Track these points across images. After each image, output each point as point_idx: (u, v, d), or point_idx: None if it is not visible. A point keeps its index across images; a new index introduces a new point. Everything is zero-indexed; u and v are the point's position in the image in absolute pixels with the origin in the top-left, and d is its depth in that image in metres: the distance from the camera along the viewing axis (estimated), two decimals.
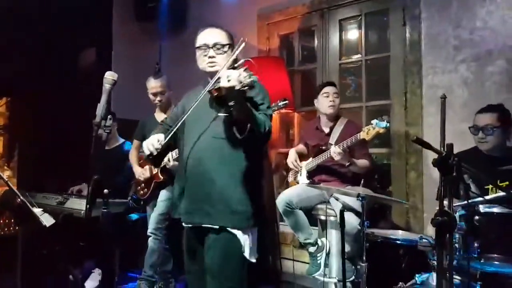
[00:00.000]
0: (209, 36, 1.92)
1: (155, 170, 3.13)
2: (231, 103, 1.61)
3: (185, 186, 1.89)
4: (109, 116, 1.80)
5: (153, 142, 1.82)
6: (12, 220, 3.36)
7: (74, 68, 4.89)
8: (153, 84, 3.18)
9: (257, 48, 4.04)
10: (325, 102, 3.02)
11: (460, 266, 1.82)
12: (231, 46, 1.93)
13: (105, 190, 2.10)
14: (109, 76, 1.79)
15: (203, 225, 1.84)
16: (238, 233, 1.80)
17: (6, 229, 3.46)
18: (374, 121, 2.60)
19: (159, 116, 3.25)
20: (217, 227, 1.80)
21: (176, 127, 1.88)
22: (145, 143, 1.86)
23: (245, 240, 1.81)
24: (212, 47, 1.89)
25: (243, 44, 1.81)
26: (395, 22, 3.29)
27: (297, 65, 3.97)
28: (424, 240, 2.04)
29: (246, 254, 1.81)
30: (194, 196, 1.86)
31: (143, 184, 3.25)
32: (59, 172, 4.16)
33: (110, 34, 4.86)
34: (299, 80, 3.96)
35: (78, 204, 3.20)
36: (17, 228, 3.26)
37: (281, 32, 4.01)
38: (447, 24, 2.99)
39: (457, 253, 1.83)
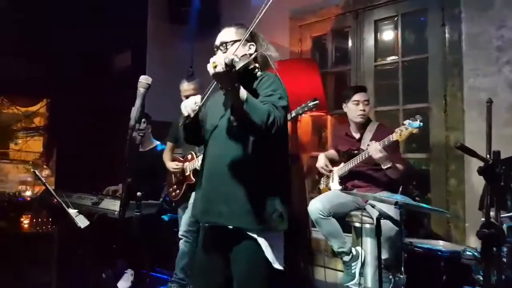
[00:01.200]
0: (218, 37, 1.89)
1: (187, 172, 3.15)
2: (224, 90, 1.56)
3: (204, 185, 1.84)
4: (143, 120, 1.80)
5: (190, 103, 1.79)
6: (50, 219, 3.46)
7: (111, 70, 5.02)
8: (186, 87, 3.20)
9: (289, 50, 3.99)
10: (355, 110, 2.92)
11: (509, 282, 1.71)
12: (246, 41, 1.83)
13: (138, 193, 2.10)
14: (144, 80, 1.80)
15: (218, 225, 1.77)
16: (258, 238, 1.71)
17: (44, 227, 3.57)
18: (406, 122, 2.52)
19: None
20: (231, 227, 1.73)
21: (205, 97, 1.82)
22: (182, 105, 1.81)
23: (265, 245, 1.72)
24: (219, 47, 1.86)
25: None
26: (434, 22, 3.17)
27: (330, 67, 3.89)
28: (468, 252, 1.92)
29: (270, 259, 1.72)
30: (210, 195, 1.79)
31: (175, 186, 3.27)
32: (95, 172, 4.27)
33: (145, 37, 4.95)
34: (332, 83, 3.88)
35: (113, 205, 3.25)
36: (53, 226, 3.36)
37: (314, 33, 3.95)
38: (490, 24, 2.86)
39: (506, 268, 1.72)
